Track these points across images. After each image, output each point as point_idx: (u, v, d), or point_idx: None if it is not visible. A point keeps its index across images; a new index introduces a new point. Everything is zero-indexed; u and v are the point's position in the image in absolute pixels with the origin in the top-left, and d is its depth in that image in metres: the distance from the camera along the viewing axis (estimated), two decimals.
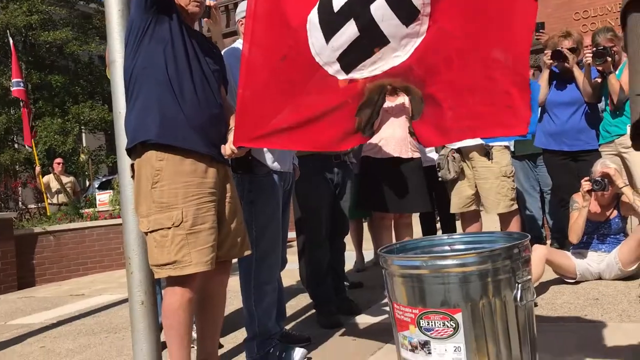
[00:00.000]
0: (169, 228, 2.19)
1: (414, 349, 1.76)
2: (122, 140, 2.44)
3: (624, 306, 3.21)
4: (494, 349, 1.67)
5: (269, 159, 2.79)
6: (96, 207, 8.25)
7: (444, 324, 1.69)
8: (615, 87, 4.00)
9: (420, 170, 4.43)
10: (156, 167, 2.22)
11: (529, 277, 1.75)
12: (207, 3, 2.61)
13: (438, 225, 5.10)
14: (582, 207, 3.76)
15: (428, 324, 1.71)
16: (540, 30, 4.80)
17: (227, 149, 2.32)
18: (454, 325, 1.68)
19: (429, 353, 1.72)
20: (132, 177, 2.35)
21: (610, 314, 3.09)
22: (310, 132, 2.33)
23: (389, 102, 3.95)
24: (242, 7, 2.96)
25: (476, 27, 2.01)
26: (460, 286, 1.67)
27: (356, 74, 2.26)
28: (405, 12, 2.10)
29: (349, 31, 2.17)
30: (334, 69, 2.26)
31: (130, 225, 2.50)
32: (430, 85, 2.17)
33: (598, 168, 3.72)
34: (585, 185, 3.69)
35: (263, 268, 2.77)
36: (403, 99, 3.96)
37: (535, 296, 1.81)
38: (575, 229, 3.79)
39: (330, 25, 2.20)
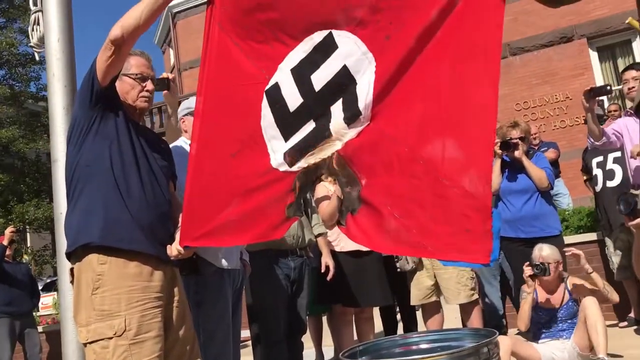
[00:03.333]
0: (110, 338, 2.01)
1: None
2: (62, 244, 2.28)
3: None
4: None
5: (215, 256, 2.65)
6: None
7: None
8: None
9: (380, 262, 4.34)
10: (97, 272, 2.05)
11: None
12: (164, 76, 2.52)
13: (398, 316, 4.94)
14: (527, 294, 3.71)
15: None
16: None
17: (173, 249, 2.14)
18: None
19: None
20: (71, 282, 2.17)
21: None
22: (254, 223, 2.16)
23: None
24: (184, 105, 2.91)
25: (427, 139, 1.85)
26: None
27: (294, 167, 2.15)
28: (350, 113, 2.00)
29: (307, 130, 2.09)
30: (277, 161, 2.16)
31: (69, 336, 2.31)
32: (367, 186, 2.01)
33: (536, 253, 3.72)
34: (527, 270, 3.66)
35: None
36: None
37: None
38: (522, 317, 3.73)
39: (289, 124, 2.09)
